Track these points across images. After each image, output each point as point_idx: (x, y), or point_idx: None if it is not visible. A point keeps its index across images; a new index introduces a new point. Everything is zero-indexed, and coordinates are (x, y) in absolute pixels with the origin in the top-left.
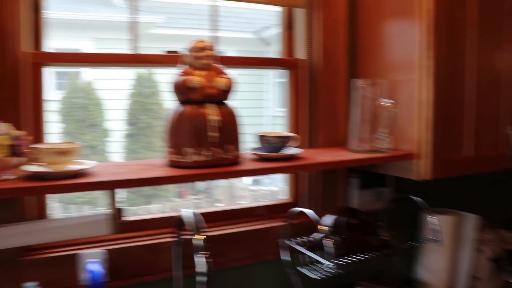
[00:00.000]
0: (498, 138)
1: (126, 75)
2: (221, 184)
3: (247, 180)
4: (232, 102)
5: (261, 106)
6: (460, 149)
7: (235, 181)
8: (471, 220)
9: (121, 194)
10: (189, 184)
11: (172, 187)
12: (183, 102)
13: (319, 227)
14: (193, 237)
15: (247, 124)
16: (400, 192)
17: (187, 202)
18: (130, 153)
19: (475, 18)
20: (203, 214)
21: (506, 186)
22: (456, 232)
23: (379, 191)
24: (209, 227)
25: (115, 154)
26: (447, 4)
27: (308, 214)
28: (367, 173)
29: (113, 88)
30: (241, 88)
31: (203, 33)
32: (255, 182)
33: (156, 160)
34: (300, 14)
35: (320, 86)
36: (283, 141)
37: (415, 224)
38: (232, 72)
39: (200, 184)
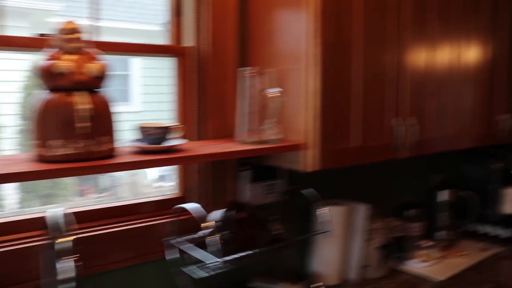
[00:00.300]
0: (384, 129)
1: (20, 66)
2: (125, 181)
3: (151, 176)
4: (105, 90)
5: (166, 100)
6: (347, 139)
7: (139, 177)
8: (361, 210)
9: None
10: (92, 182)
11: (72, 185)
12: (51, 89)
13: (202, 225)
14: (57, 240)
15: (153, 119)
16: (293, 184)
17: (88, 201)
18: (24, 150)
19: (361, 9)
20: (84, 212)
21: (393, 175)
22: (347, 222)
23: (272, 184)
24: (88, 227)
25: (7, 152)
26: None
27: (190, 210)
28: (259, 166)
29: (4, 80)
30: (146, 82)
31: (103, 23)
32: (161, 178)
33: (22, 155)
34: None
35: (209, 75)
36: (164, 132)
37: (308, 216)
38: (109, 58)
39: (104, 182)
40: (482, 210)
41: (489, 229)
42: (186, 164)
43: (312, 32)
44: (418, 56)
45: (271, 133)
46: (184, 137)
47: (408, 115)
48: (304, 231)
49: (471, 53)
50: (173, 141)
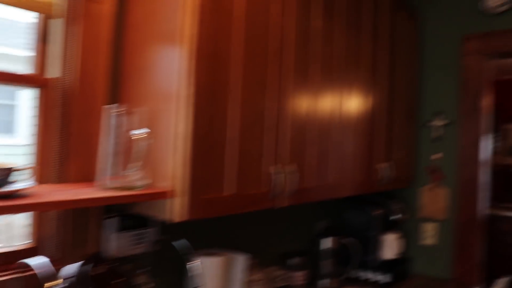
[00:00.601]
0: (261, 177)
1: None
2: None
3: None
4: None
5: None
6: (221, 187)
7: (14, 218)
8: (240, 260)
9: None
10: None
11: None
12: None
13: (46, 284)
14: None
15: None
16: (166, 233)
17: None
18: None
19: (240, 52)
20: None
21: (275, 223)
22: (224, 274)
23: (142, 233)
24: None
25: None
26: (212, 32)
27: (34, 266)
28: (127, 213)
29: None
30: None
31: None
32: None
33: None
34: (57, 26)
35: (75, 111)
36: (6, 174)
37: (182, 268)
38: None
39: None
40: (363, 256)
41: (369, 275)
42: (26, 212)
43: (185, 71)
44: (299, 104)
45: (136, 178)
46: (38, 179)
47: (288, 163)
48: (178, 285)
49: (352, 103)
50: (18, 185)
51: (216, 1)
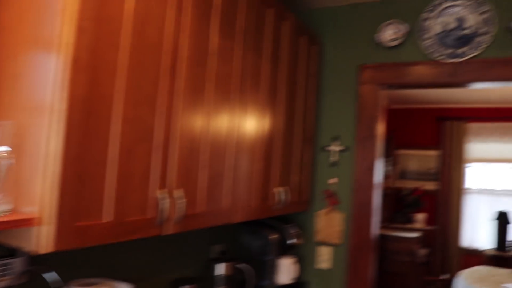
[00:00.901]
0: (147, 202)
1: None
2: None
3: None
4: None
5: None
6: (99, 214)
7: None
8: None
9: None
10: None
11: None
12: None
13: None
14: None
15: None
16: (39, 263)
17: None
18: None
19: (127, 64)
20: None
21: (166, 247)
22: None
23: (6, 263)
24: None
25: None
26: (93, 42)
27: None
28: None
29: None
30: None
31: None
32: None
33: None
34: None
35: None
36: None
37: None
38: None
39: None
40: (259, 281)
41: None
42: None
43: (59, 82)
44: (192, 123)
45: None
46: None
47: (176, 187)
48: None
49: (250, 125)
50: None
51: (100, 9)
